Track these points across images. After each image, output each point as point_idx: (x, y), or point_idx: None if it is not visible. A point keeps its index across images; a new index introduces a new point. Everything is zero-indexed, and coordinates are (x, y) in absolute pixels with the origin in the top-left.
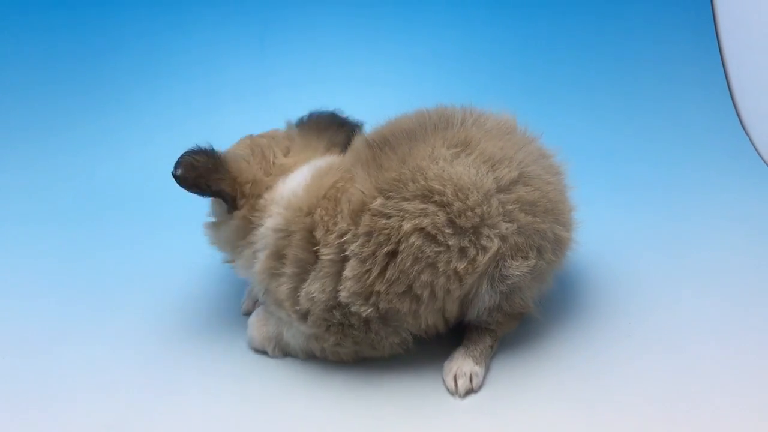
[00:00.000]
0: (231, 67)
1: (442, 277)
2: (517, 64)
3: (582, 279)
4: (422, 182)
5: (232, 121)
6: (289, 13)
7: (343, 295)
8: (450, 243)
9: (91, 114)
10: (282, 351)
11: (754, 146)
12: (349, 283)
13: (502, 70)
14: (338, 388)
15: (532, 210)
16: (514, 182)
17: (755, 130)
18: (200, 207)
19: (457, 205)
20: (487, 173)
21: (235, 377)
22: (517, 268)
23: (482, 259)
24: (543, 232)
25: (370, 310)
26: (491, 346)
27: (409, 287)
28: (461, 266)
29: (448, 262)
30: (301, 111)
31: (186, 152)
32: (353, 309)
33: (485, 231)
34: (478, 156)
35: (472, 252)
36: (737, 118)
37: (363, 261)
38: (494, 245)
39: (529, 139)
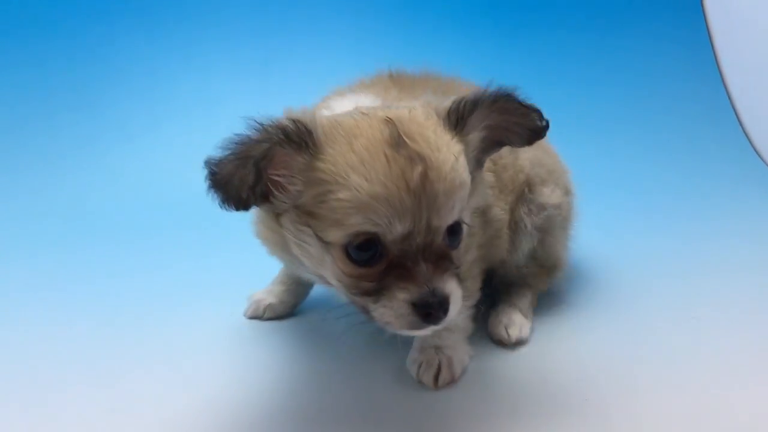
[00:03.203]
0: (231, 91)
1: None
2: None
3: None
4: None
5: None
6: (293, 40)
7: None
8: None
9: (87, 137)
10: None
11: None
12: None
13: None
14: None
15: (540, 147)
16: None
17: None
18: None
19: None
20: None
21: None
22: (548, 197)
23: (522, 176)
24: (558, 173)
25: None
26: (531, 303)
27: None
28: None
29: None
30: None
31: None
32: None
33: (521, 153)
34: None
35: (518, 162)
36: (747, 139)
37: None
38: (527, 167)
39: None
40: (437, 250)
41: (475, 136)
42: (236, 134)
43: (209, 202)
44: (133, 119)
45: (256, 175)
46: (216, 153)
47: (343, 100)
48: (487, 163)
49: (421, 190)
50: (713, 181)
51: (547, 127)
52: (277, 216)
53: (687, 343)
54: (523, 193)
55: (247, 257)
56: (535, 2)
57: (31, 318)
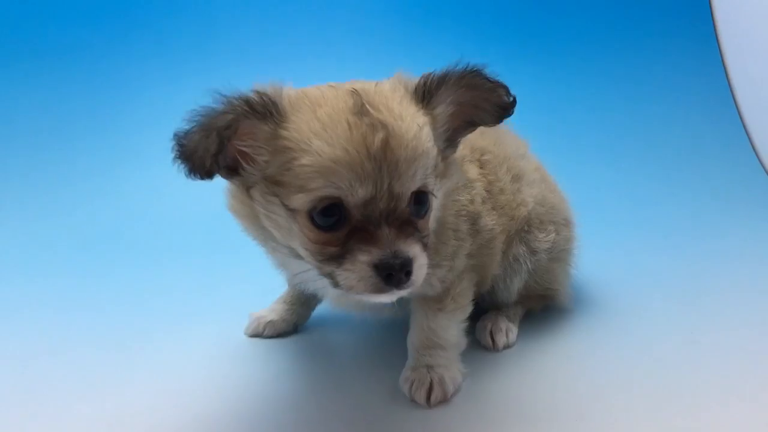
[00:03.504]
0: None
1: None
2: (542, 116)
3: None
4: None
5: None
6: (308, 64)
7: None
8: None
9: (100, 162)
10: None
11: None
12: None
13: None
14: None
15: (545, 182)
16: (524, 155)
17: None
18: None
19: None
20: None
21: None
22: (541, 242)
23: (523, 210)
24: (558, 209)
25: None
26: (519, 313)
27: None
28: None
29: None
30: None
31: None
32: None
33: (525, 189)
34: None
35: (520, 196)
36: (756, 158)
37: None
38: (530, 205)
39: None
40: (401, 216)
41: (443, 110)
42: (201, 106)
43: (215, 224)
44: (146, 144)
45: (219, 144)
46: (182, 126)
47: None
48: (480, 178)
49: (382, 156)
50: (721, 202)
51: (514, 102)
52: (247, 189)
53: (686, 366)
54: (523, 229)
55: (250, 277)
56: (547, 26)
57: (39, 333)
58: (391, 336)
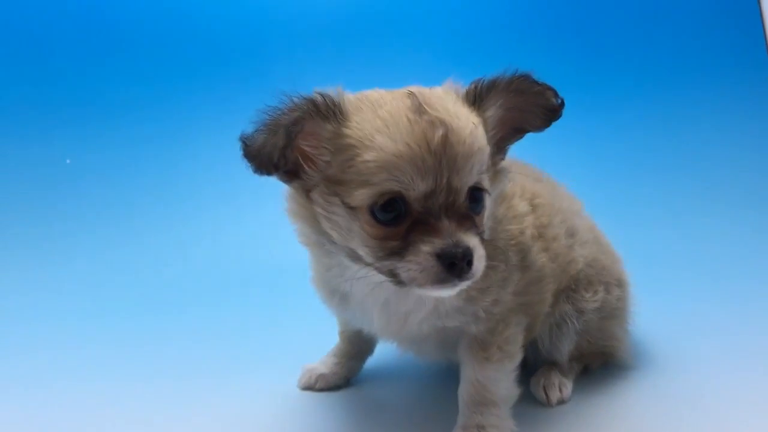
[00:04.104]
0: None
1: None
2: (595, 171)
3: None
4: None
5: None
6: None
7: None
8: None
9: (158, 208)
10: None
11: None
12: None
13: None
14: None
15: (598, 242)
16: (578, 213)
17: None
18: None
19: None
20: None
21: None
22: (588, 302)
23: (574, 268)
24: (609, 270)
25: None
26: (576, 369)
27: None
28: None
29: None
30: None
31: None
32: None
33: (578, 248)
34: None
35: (572, 253)
36: None
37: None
38: (580, 264)
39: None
40: (459, 209)
41: (493, 114)
42: (268, 107)
43: (272, 276)
44: (208, 199)
45: (287, 138)
46: (249, 128)
47: None
48: (530, 214)
49: (442, 151)
50: None
51: (562, 105)
52: (307, 193)
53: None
54: (570, 288)
55: (304, 330)
56: (598, 79)
57: (97, 373)
58: (443, 390)
